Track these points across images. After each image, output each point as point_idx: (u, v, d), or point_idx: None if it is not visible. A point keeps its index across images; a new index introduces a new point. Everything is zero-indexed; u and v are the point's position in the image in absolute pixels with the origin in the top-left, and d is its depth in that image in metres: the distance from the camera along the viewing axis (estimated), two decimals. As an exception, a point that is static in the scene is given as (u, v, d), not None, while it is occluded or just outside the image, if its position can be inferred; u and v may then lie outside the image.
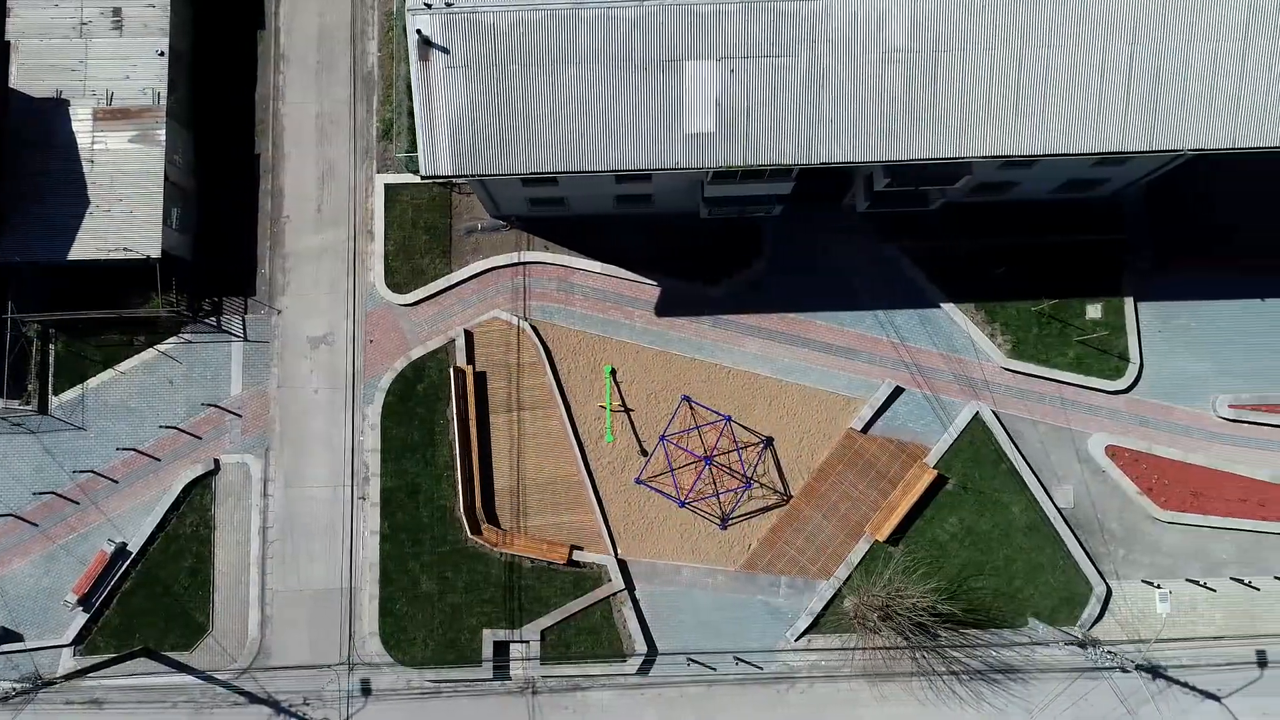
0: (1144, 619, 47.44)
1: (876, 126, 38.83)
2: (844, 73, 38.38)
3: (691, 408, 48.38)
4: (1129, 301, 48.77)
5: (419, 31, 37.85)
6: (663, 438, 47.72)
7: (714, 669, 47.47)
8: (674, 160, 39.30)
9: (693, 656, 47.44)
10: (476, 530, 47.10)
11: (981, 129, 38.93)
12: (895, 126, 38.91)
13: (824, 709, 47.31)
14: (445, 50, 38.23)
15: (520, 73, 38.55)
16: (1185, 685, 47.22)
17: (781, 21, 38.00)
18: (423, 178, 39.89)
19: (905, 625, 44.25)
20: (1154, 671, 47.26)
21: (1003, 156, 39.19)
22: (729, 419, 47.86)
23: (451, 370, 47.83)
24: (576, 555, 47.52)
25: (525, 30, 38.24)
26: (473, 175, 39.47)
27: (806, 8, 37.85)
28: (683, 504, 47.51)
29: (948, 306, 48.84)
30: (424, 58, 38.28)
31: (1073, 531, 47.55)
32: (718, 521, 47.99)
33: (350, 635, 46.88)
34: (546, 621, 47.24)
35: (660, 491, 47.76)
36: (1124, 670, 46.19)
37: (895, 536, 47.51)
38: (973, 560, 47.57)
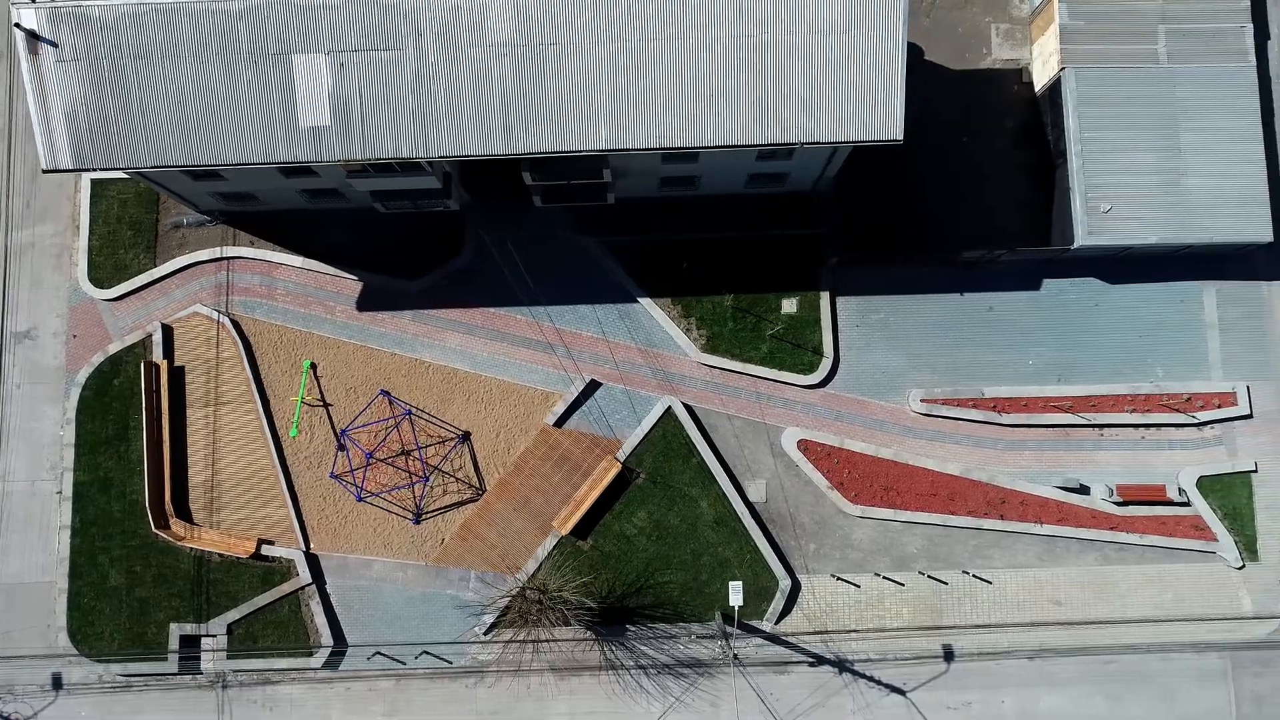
0: (831, 613, 46.38)
1: (488, 120, 37.48)
2: (452, 66, 36.88)
3: (390, 402, 47.32)
4: (824, 296, 47.40)
5: (19, 25, 36.61)
6: (343, 432, 46.64)
7: (403, 663, 46.40)
8: (292, 154, 37.88)
9: (382, 650, 46.37)
10: (162, 524, 45.90)
11: (593, 123, 37.50)
12: (508, 120, 37.51)
13: (513, 703, 46.04)
14: (53, 44, 36.97)
15: (131, 66, 37.14)
16: (872, 679, 46.09)
17: (385, 15, 36.47)
18: (44, 171, 38.76)
19: (556, 620, 43.20)
20: (841, 665, 46.19)
21: (615, 151, 37.88)
22: (409, 413, 46.80)
23: (143, 365, 46.75)
24: (266, 549, 46.34)
25: (132, 23, 36.69)
26: (93, 169, 38.32)
27: (409, 1, 36.63)
28: (360, 498, 46.44)
29: (645, 301, 47.48)
30: (33, 51, 36.99)
31: (760, 526, 46.27)
32: (411, 516, 46.94)
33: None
34: (234, 615, 46.01)
35: (347, 486, 46.72)
36: (739, 665, 44.99)
37: (583, 531, 46.40)
38: (660, 554, 46.30)
